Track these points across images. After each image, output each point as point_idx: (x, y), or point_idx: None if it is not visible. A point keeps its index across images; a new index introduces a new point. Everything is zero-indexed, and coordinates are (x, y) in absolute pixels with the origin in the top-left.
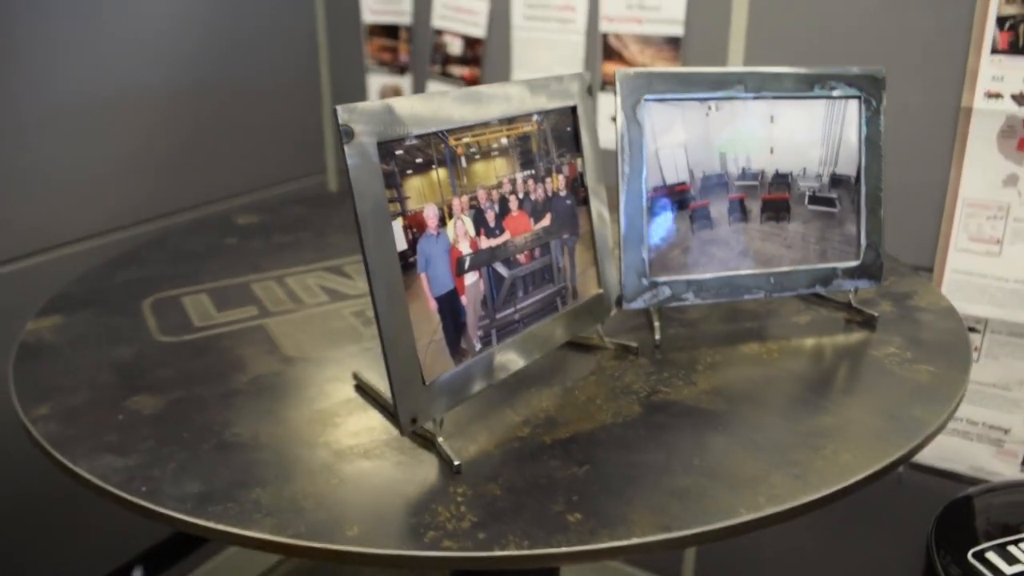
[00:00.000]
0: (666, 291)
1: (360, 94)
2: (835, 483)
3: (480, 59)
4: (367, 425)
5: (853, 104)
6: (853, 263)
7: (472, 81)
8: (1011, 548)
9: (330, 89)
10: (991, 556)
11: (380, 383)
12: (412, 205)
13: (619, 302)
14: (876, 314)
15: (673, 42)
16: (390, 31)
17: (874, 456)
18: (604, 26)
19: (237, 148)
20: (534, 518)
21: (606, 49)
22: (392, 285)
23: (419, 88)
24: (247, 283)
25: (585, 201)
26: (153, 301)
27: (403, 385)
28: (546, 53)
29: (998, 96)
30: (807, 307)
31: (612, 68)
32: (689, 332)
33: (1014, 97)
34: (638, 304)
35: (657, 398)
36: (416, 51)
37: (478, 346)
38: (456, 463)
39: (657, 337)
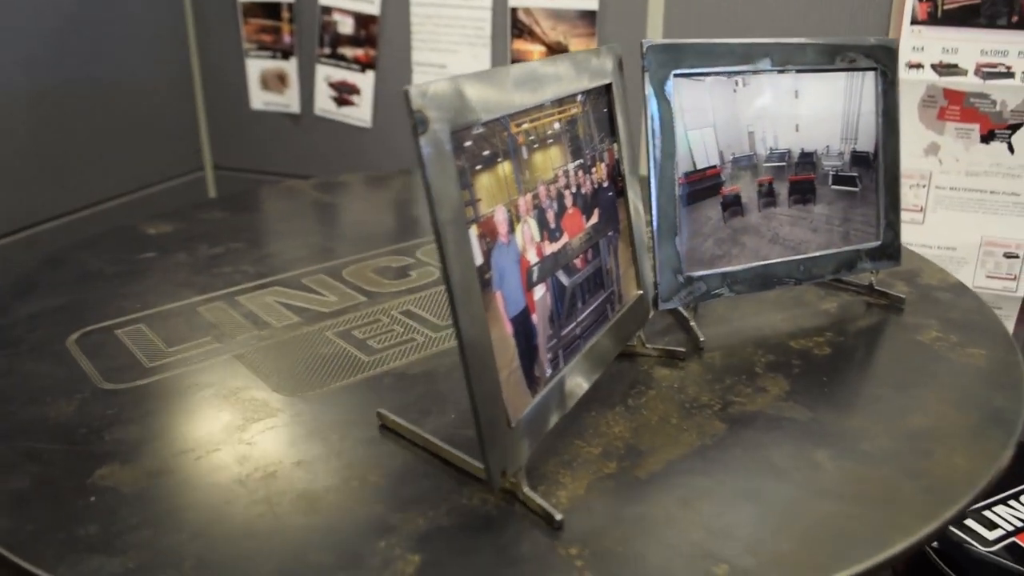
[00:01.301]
0: (702, 287)
1: (238, 82)
2: (965, 493)
3: (375, 39)
4: (421, 488)
5: (870, 77)
6: (874, 244)
7: (367, 64)
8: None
9: (201, 79)
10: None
11: (416, 423)
12: (484, 208)
13: (655, 303)
14: (903, 296)
15: (588, 16)
16: (270, 10)
17: (984, 457)
18: (513, 0)
19: (106, 149)
20: (681, 571)
21: (515, 25)
22: (475, 309)
23: (307, 74)
24: (190, 307)
25: (623, 192)
26: (79, 338)
27: (490, 430)
28: (449, 31)
29: (919, 67)
30: (828, 293)
31: (522, 47)
32: (725, 330)
33: (934, 67)
34: (674, 303)
35: (734, 410)
36: (301, 32)
37: (548, 371)
38: (558, 518)
39: (702, 339)
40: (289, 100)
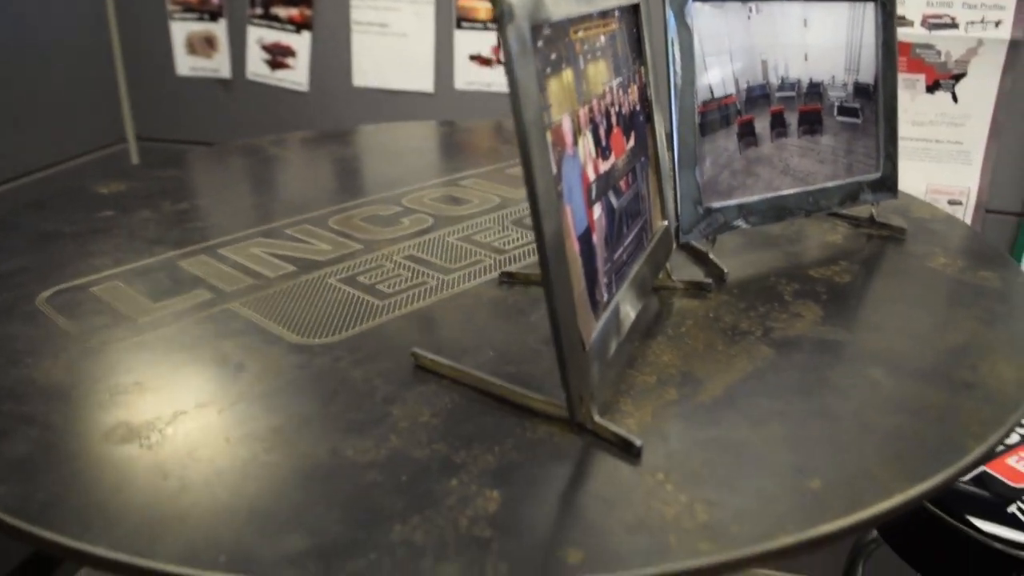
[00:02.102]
0: (719, 218)
1: (161, 47)
2: (1021, 398)
3: None
4: (480, 425)
5: (871, 7)
6: (875, 176)
7: (302, 24)
8: None
9: (121, 44)
10: None
11: (455, 359)
12: (554, 115)
13: (676, 235)
14: (905, 226)
15: None
16: None
17: None
18: None
19: (15, 121)
20: (781, 493)
21: None
22: (556, 221)
23: (237, 36)
24: (169, 261)
25: (650, 117)
26: (50, 297)
27: (571, 354)
28: None
29: None
30: (830, 226)
31: (468, 3)
32: (740, 263)
33: None
34: (694, 236)
35: (777, 335)
36: None
37: (605, 295)
38: (637, 443)
39: (725, 270)
40: (218, 65)
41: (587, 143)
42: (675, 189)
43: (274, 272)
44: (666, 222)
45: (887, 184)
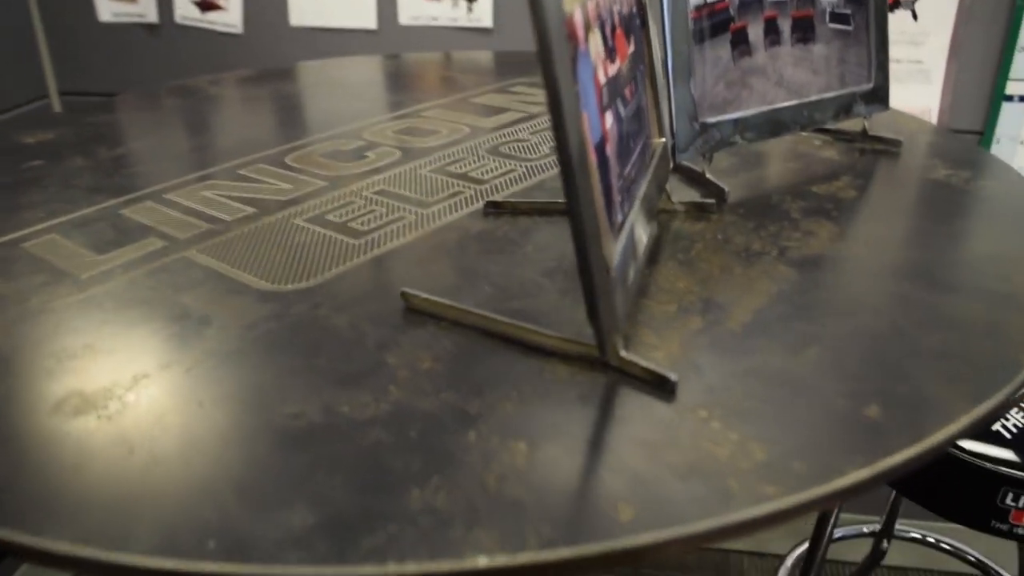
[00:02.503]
0: (716, 135)
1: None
2: None
3: None
4: (490, 369)
5: None
6: (867, 87)
7: None
8: None
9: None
10: None
11: (450, 298)
12: (566, 5)
13: (672, 153)
14: (901, 139)
15: None
16: None
17: None
18: None
19: None
20: (838, 424)
21: None
22: (577, 125)
23: None
24: (111, 210)
25: (645, 21)
26: None
27: (601, 284)
28: None
29: None
30: (823, 142)
31: None
32: (738, 182)
33: None
34: (690, 154)
35: (794, 255)
36: None
37: (620, 216)
38: (672, 377)
39: (726, 189)
40: (144, 9)
41: (596, 41)
42: (670, 103)
43: (231, 215)
44: (664, 139)
45: (879, 95)
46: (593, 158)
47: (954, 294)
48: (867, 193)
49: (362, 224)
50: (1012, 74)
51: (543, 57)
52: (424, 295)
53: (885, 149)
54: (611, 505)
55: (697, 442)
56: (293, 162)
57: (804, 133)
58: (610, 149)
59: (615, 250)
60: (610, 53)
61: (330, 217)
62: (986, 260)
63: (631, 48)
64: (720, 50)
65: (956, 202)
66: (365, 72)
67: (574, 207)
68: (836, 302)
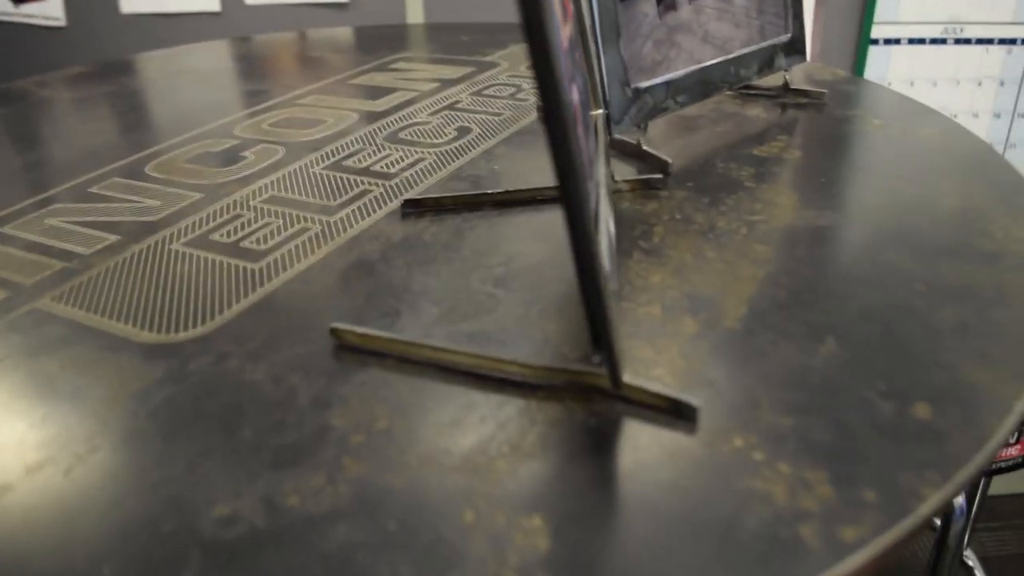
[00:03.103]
0: (648, 101)
1: None
2: None
3: None
4: (466, 414)
5: None
6: (786, 38)
7: None
8: None
9: None
10: None
11: (389, 328)
12: None
13: (608, 125)
14: (825, 90)
15: None
16: None
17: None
18: None
19: None
20: (892, 432)
21: None
22: (570, 106)
23: None
24: None
25: None
26: None
27: (603, 295)
28: None
29: None
30: (745, 101)
31: None
32: (673, 151)
33: None
34: (625, 124)
35: (765, 229)
36: None
37: (594, 204)
38: (695, 403)
39: (669, 160)
40: None
41: None
42: (600, 69)
43: (88, 247)
44: (600, 111)
45: (797, 46)
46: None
47: (944, 259)
48: (812, 152)
49: (258, 242)
50: (876, 18)
51: (532, 16)
52: (360, 329)
53: (809, 102)
54: None
55: (745, 483)
56: (155, 172)
57: (729, 92)
58: (580, 128)
59: (602, 251)
60: (564, 12)
61: (216, 237)
62: (960, 216)
63: (571, 6)
64: (645, 6)
65: (904, 155)
66: (220, 59)
67: (572, 205)
68: (828, 281)
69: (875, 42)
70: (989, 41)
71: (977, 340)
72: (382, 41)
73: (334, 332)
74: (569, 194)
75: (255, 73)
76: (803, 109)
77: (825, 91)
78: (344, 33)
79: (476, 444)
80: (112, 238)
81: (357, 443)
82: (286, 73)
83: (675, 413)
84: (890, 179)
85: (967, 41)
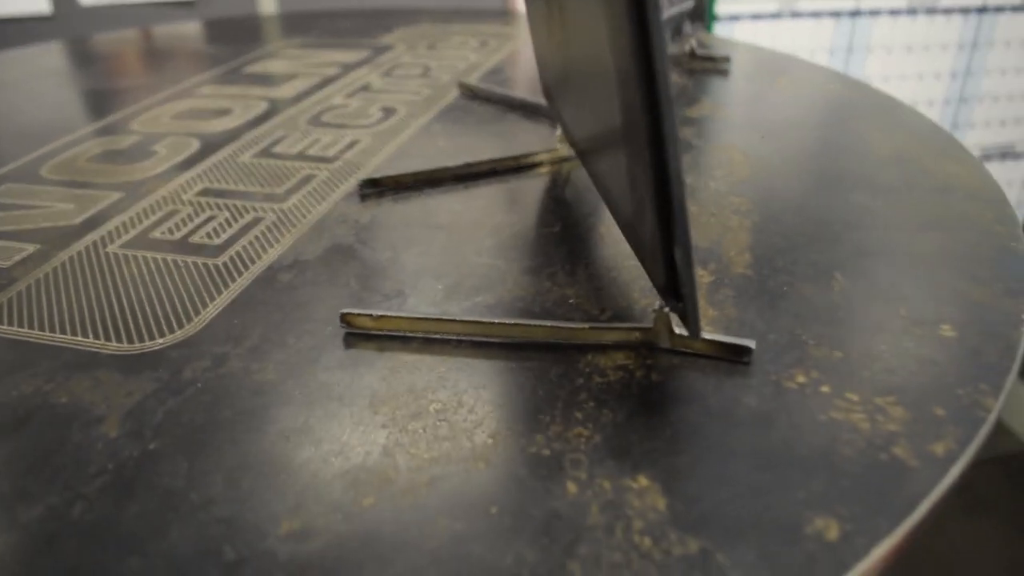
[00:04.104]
0: None
1: None
2: (1002, 196)
3: None
4: (514, 387)
5: None
6: (690, 4)
7: None
8: None
9: None
10: None
11: (398, 310)
12: None
13: None
14: (727, 55)
15: None
16: None
17: (964, 162)
18: None
19: None
20: (933, 354)
21: None
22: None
23: None
24: None
25: None
26: None
27: (687, 236)
28: None
29: None
30: None
31: None
32: None
33: None
34: None
35: (731, 183)
36: None
37: None
38: (751, 345)
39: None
40: None
41: None
42: None
43: (6, 259)
44: None
45: (699, 12)
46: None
47: (902, 196)
48: (739, 110)
49: (209, 236)
50: None
51: None
52: (376, 312)
53: (715, 67)
54: (807, 521)
55: (828, 415)
56: (53, 174)
57: None
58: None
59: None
60: None
61: (157, 235)
62: (897, 158)
63: None
64: None
65: (820, 108)
66: (86, 57)
67: (661, 131)
68: (810, 225)
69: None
70: (821, 14)
71: (963, 263)
72: (256, 31)
73: (345, 318)
74: (655, 118)
75: (131, 68)
76: (714, 74)
77: (727, 56)
78: (213, 26)
79: (552, 414)
80: (30, 247)
81: (414, 429)
82: (173, 66)
83: (732, 359)
84: (820, 129)
85: (801, 15)
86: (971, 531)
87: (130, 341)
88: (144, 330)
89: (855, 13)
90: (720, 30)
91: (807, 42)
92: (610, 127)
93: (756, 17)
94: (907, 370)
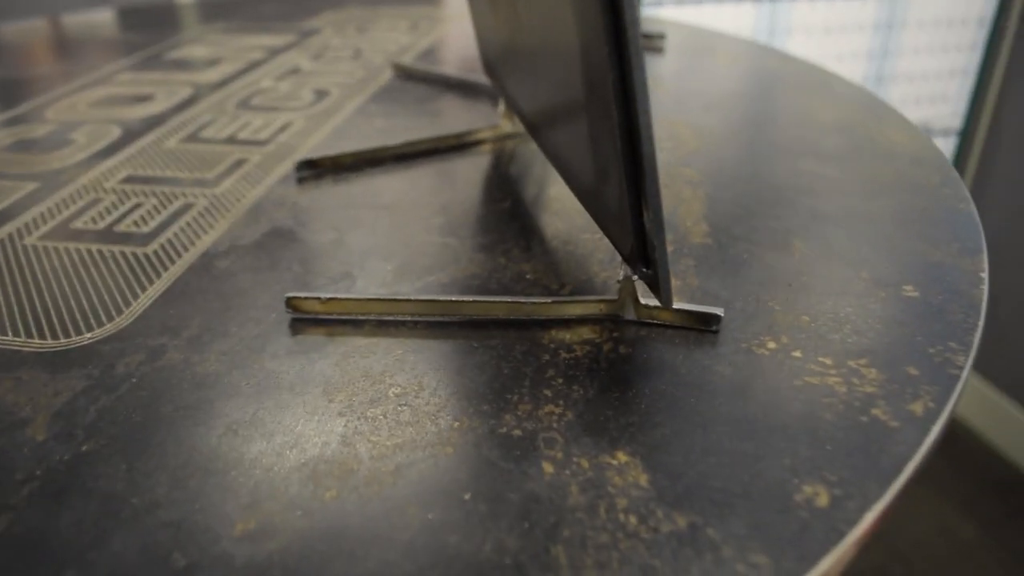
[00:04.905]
0: None
1: None
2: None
3: None
4: (488, 376)
5: None
6: None
7: None
8: None
9: None
10: None
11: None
12: None
13: None
14: (662, 32)
15: None
16: None
17: (907, 129)
18: None
19: None
20: (891, 309)
21: None
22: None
23: None
24: None
25: None
26: None
27: (657, 201)
28: None
29: None
30: None
31: None
32: None
33: None
34: None
35: (679, 152)
36: None
37: None
38: (719, 313)
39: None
40: None
41: None
42: None
43: None
44: None
45: None
46: None
47: (851, 162)
48: (679, 84)
49: (136, 224)
50: None
51: None
52: (324, 295)
53: (651, 45)
54: (794, 487)
55: (803, 379)
56: None
57: None
58: None
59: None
60: None
61: (79, 225)
62: (841, 126)
63: None
64: None
65: (758, 79)
66: None
67: (632, 86)
68: (767, 191)
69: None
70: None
71: (917, 226)
72: (174, 18)
73: (291, 303)
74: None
75: (42, 58)
76: (647, 51)
77: (663, 32)
78: (127, 14)
79: (520, 393)
80: None
81: (373, 415)
82: (83, 53)
83: (700, 328)
84: (760, 101)
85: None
86: (904, 498)
87: (55, 337)
88: (70, 325)
89: None
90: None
91: (730, 26)
92: (569, 93)
93: (680, 2)
94: (875, 332)
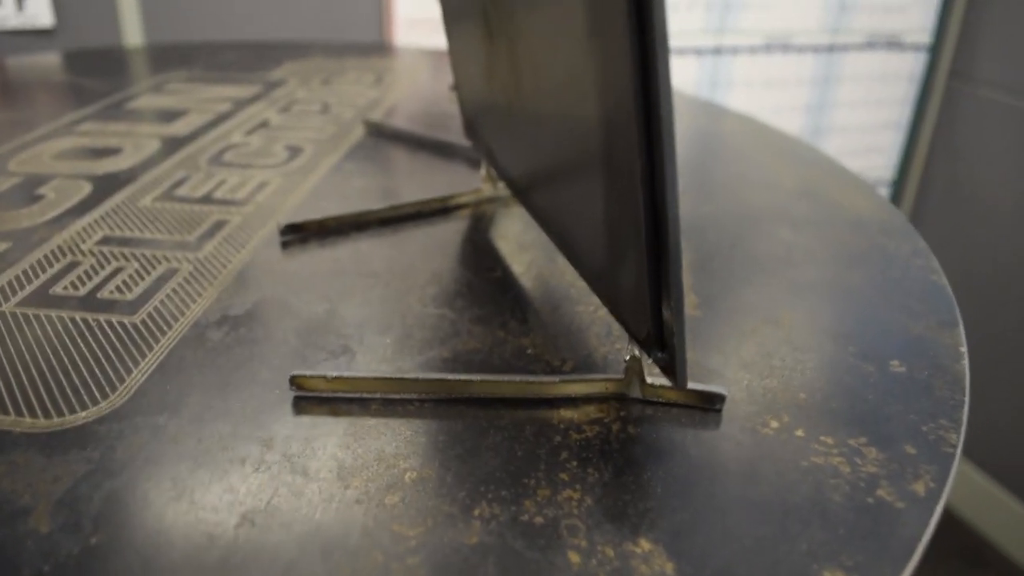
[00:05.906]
0: None
1: None
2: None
3: None
4: (500, 459)
5: None
6: None
7: None
8: None
9: None
10: None
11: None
12: None
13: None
14: None
15: None
16: None
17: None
18: None
19: None
20: (882, 385)
21: None
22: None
23: None
24: None
25: None
26: None
27: (679, 283)
28: None
29: None
30: None
31: None
32: None
33: None
34: None
35: None
36: None
37: None
38: (723, 392)
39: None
40: None
41: None
42: None
43: None
44: None
45: None
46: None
47: (823, 229)
48: None
49: (119, 291)
50: None
51: None
52: (331, 374)
53: None
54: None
55: (809, 460)
56: None
57: None
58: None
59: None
60: None
61: (59, 291)
62: (805, 192)
63: None
64: None
65: (726, 145)
66: None
67: (662, 174)
68: (749, 262)
69: None
70: (685, 52)
71: (895, 297)
72: (126, 64)
73: (295, 381)
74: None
75: None
76: None
77: None
78: (75, 58)
79: (537, 477)
80: None
81: (392, 503)
82: (36, 102)
83: (703, 407)
84: (725, 164)
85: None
86: None
87: (47, 416)
88: (62, 402)
89: (717, 51)
90: None
91: (674, 79)
92: (581, 168)
93: None
94: (870, 409)
